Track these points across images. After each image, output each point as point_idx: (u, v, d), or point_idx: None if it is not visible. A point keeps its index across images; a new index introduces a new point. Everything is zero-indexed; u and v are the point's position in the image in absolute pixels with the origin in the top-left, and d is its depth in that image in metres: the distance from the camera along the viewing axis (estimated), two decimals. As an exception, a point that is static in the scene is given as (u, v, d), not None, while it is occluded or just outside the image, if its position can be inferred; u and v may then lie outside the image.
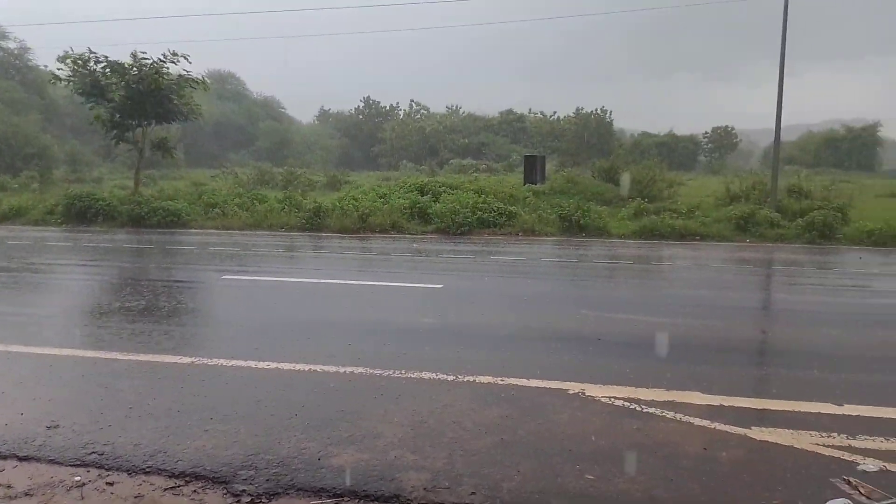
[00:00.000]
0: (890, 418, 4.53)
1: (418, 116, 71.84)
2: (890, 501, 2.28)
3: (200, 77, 21.61)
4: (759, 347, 6.84)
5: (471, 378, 5.23)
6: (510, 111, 69.24)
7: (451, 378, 5.24)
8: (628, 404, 4.71)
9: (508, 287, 10.17)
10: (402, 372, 5.37)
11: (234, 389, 5.03)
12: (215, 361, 5.67)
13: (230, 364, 5.60)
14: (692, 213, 18.14)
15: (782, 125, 18.39)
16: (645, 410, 4.60)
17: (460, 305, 8.60)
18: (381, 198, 20.17)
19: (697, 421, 4.41)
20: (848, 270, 12.26)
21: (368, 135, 69.13)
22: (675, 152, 58.92)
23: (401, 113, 73.33)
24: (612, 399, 4.81)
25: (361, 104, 73.81)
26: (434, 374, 5.32)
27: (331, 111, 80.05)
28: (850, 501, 2.60)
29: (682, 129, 63.25)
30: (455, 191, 20.73)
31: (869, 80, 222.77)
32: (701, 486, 3.56)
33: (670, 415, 4.51)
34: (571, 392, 4.94)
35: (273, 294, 9.47)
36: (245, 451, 3.92)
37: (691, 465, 3.80)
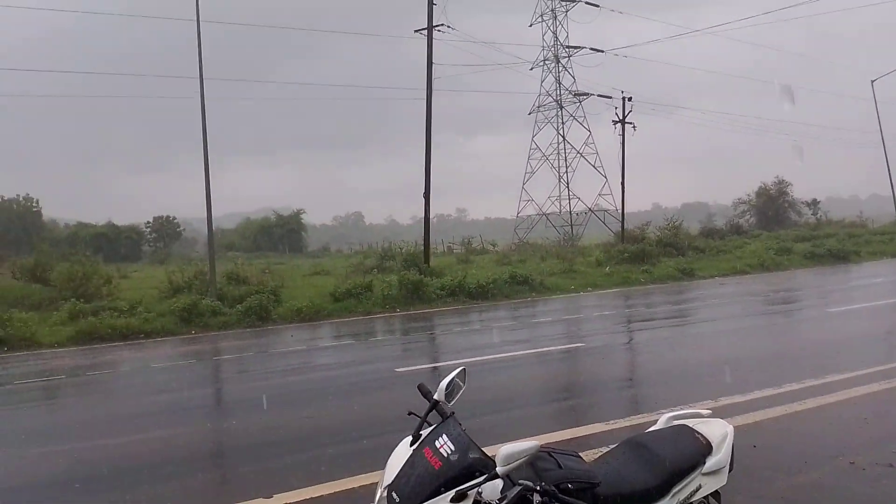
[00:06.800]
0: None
1: None
2: None
3: None
4: (211, 449, 6.63)
5: None
6: None
7: None
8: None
9: None
10: None
11: None
12: None
13: None
14: (134, 310, 17.23)
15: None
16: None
17: None
18: None
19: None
20: (283, 350, 13.29)
21: None
22: (117, 243, 56.49)
23: None
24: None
25: None
26: None
27: None
28: None
29: (122, 219, 61.22)
30: None
31: (286, 172, 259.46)
32: None
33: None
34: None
35: None
36: None
37: None
